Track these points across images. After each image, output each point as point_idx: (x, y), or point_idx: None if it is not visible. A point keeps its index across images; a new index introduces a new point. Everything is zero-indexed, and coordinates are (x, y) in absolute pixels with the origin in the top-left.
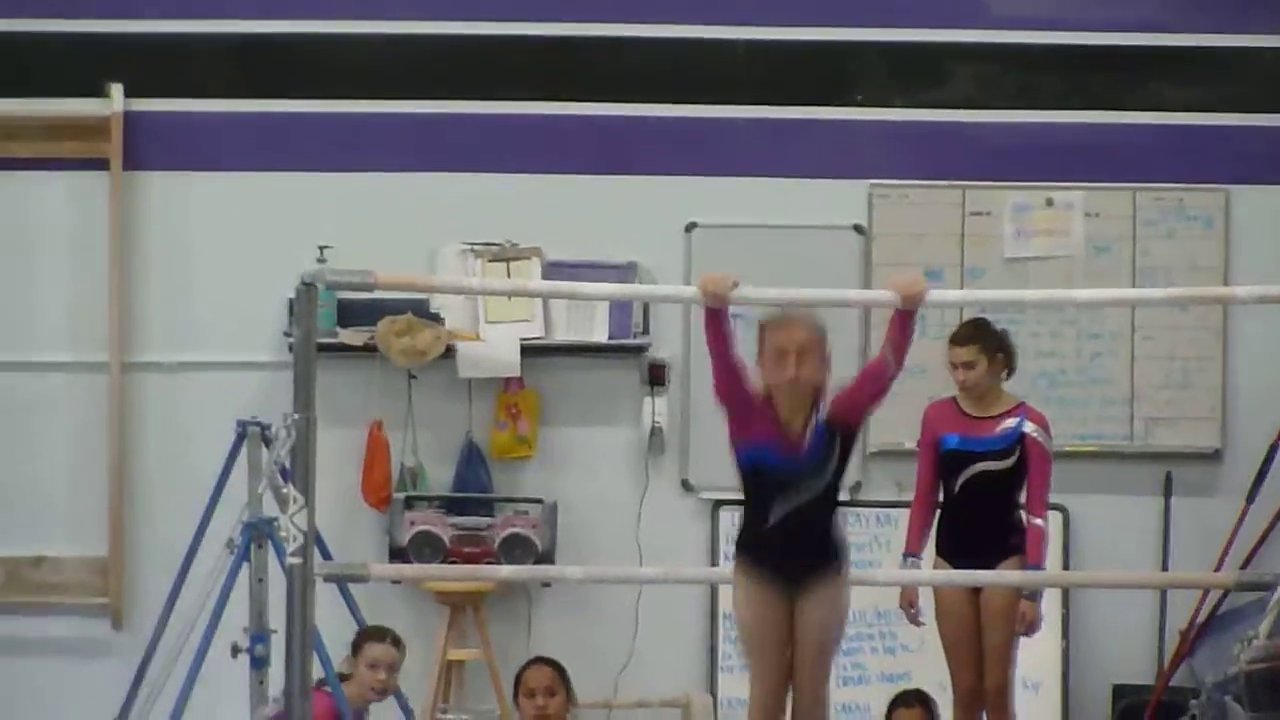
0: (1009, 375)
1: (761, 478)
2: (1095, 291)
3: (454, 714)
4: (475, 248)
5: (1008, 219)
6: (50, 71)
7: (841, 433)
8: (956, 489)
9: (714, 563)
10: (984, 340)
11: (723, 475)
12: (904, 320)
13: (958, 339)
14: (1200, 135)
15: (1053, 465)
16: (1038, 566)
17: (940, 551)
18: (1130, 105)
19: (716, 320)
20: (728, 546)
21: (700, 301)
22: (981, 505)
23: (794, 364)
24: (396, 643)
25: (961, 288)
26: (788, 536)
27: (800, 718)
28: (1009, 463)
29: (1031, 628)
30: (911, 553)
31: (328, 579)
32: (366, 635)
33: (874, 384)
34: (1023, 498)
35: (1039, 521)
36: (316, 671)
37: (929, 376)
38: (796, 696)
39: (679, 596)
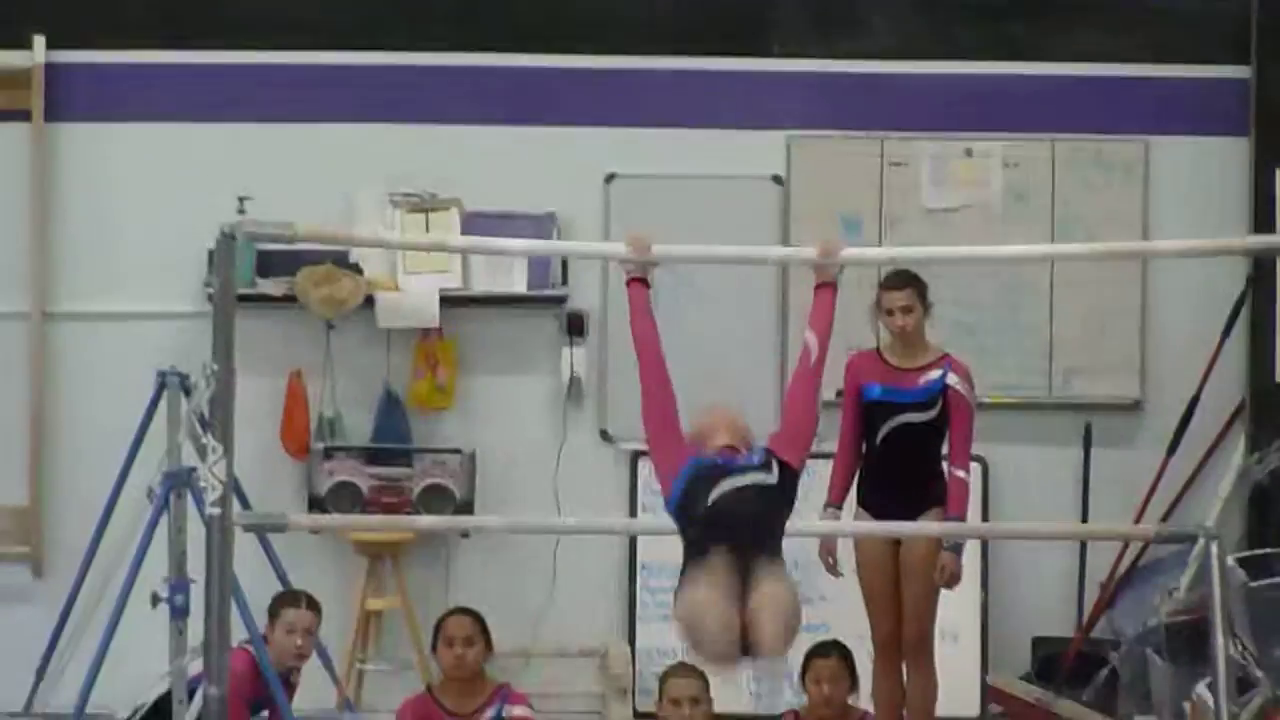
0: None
1: (701, 480)
2: (1017, 249)
3: (373, 664)
4: (394, 198)
5: (926, 169)
6: None
7: (781, 463)
8: (879, 440)
9: (632, 513)
10: (918, 285)
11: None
12: (825, 296)
13: (893, 284)
14: (1119, 85)
15: (976, 417)
16: (959, 518)
17: (862, 502)
18: (1049, 55)
19: (642, 297)
20: (646, 497)
21: (622, 262)
22: (904, 457)
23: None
24: (312, 605)
25: (880, 238)
26: (730, 516)
27: None
28: (931, 414)
29: (953, 580)
30: (832, 504)
31: (247, 529)
32: (282, 600)
33: (801, 391)
34: (945, 449)
35: (961, 473)
36: (239, 625)
37: (849, 326)
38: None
39: (597, 546)
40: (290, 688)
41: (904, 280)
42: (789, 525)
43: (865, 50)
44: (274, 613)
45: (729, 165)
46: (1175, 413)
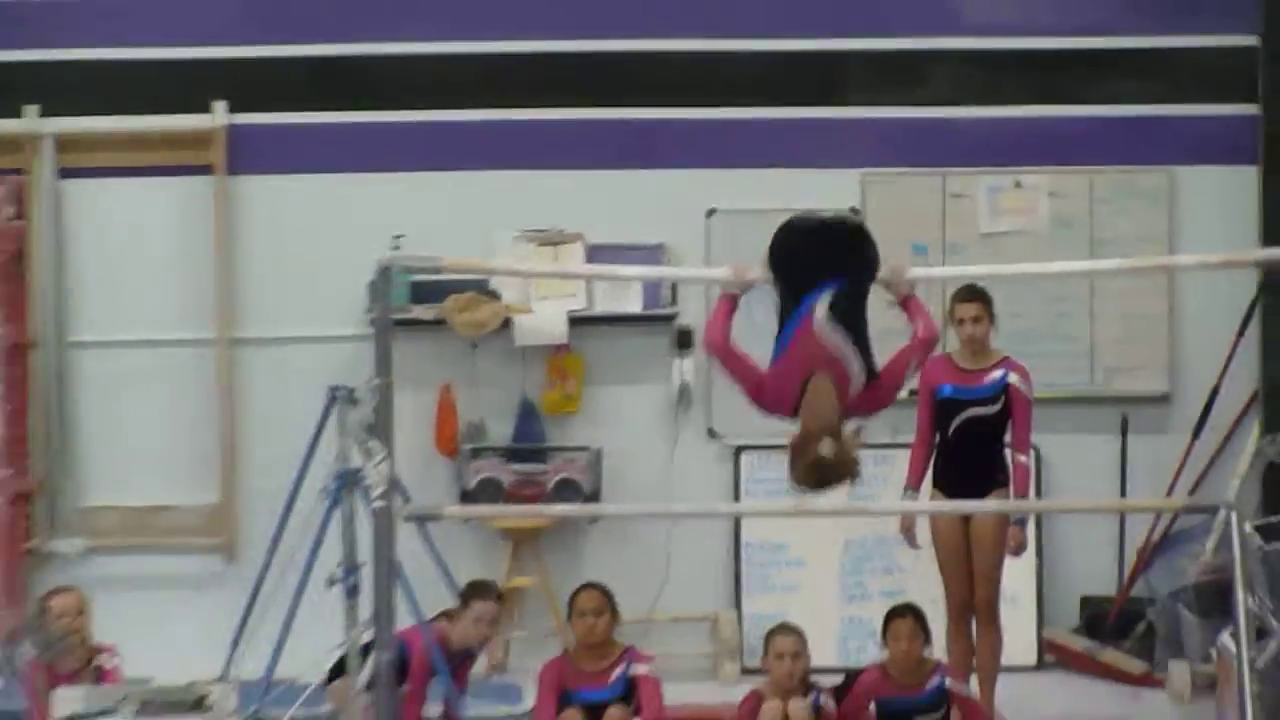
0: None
1: None
2: (1061, 265)
3: (518, 632)
4: (527, 234)
5: (982, 200)
6: (163, 92)
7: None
8: (950, 431)
9: (736, 499)
10: (986, 298)
11: (743, 424)
12: (913, 305)
13: (966, 296)
14: (1147, 124)
15: (1033, 410)
16: (1023, 497)
17: (936, 485)
18: (1086, 99)
19: (725, 309)
20: (748, 484)
21: (722, 283)
22: (972, 445)
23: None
24: (500, 598)
25: (944, 260)
26: None
27: None
28: (995, 408)
29: (1020, 549)
30: (911, 487)
31: (407, 519)
32: (475, 591)
33: (916, 354)
34: (1007, 438)
35: (1023, 458)
36: (402, 601)
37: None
38: None
39: (707, 529)
40: (471, 659)
41: (974, 294)
42: (869, 506)
43: (927, 98)
44: (466, 599)
45: (812, 199)
46: (1199, 403)
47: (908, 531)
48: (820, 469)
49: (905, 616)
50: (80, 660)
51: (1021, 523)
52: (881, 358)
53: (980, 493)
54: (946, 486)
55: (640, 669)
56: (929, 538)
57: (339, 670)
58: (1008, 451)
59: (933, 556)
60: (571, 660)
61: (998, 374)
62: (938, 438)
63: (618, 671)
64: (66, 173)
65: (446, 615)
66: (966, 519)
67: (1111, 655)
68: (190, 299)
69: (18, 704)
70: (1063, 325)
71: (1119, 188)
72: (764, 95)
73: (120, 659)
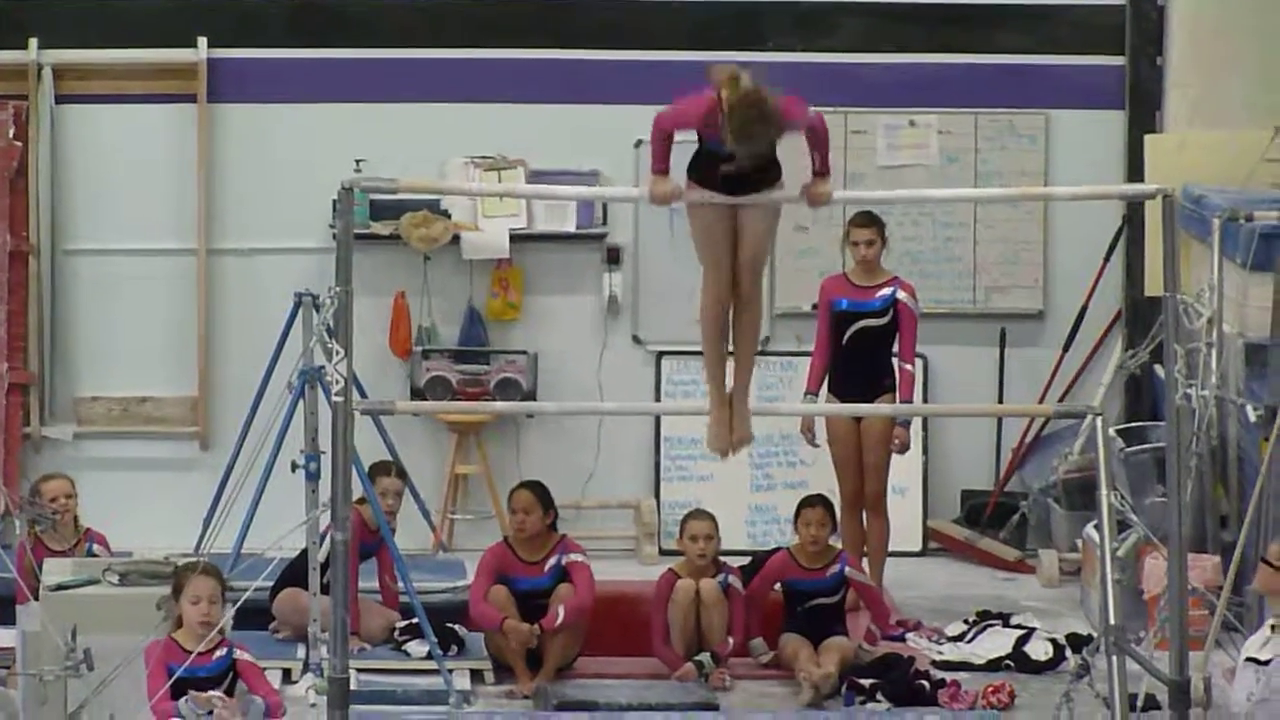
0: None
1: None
2: (948, 191)
3: (460, 515)
4: (475, 160)
5: (880, 136)
6: (151, 28)
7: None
8: (844, 341)
9: (657, 398)
10: (879, 224)
11: (665, 331)
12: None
13: (861, 222)
14: (1027, 72)
15: (919, 324)
16: (907, 401)
17: (832, 389)
18: (973, 49)
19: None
20: (668, 385)
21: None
22: (863, 354)
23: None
24: (401, 474)
25: (845, 190)
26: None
27: None
28: (884, 321)
29: (904, 448)
30: (810, 391)
31: (364, 413)
32: (375, 469)
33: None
34: (896, 349)
35: (908, 366)
36: (357, 486)
37: (822, 256)
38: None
39: (631, 425)
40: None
41: (869, 219)
42: (775, 407)
43: (834, 46)
44: (372, 478)
45: None
46: (1069, 320)
47: (807, 431)
48: (744, 101)
49: (816, 506)
50: (70, 540)
51: (906, 424)
52: (792, 282)
53: (870, 397)
54: (840, 391)
55: (572, 557)
56: (826, 437)
57: (285, 580)
58: (895, 360)
59: (829, 455)
60: (511, 550)
61: (887, 291)
62: (833, 348)
63: (552, 561)
64: (63, 99)
65: (359, 501)
66: (858, 420)
67: (988, 543)
68: (173, 213)
69: (10, 574)
70: (949, 248)
71: (1001, 128)
72: (691, 40)
73: (107, 551)
